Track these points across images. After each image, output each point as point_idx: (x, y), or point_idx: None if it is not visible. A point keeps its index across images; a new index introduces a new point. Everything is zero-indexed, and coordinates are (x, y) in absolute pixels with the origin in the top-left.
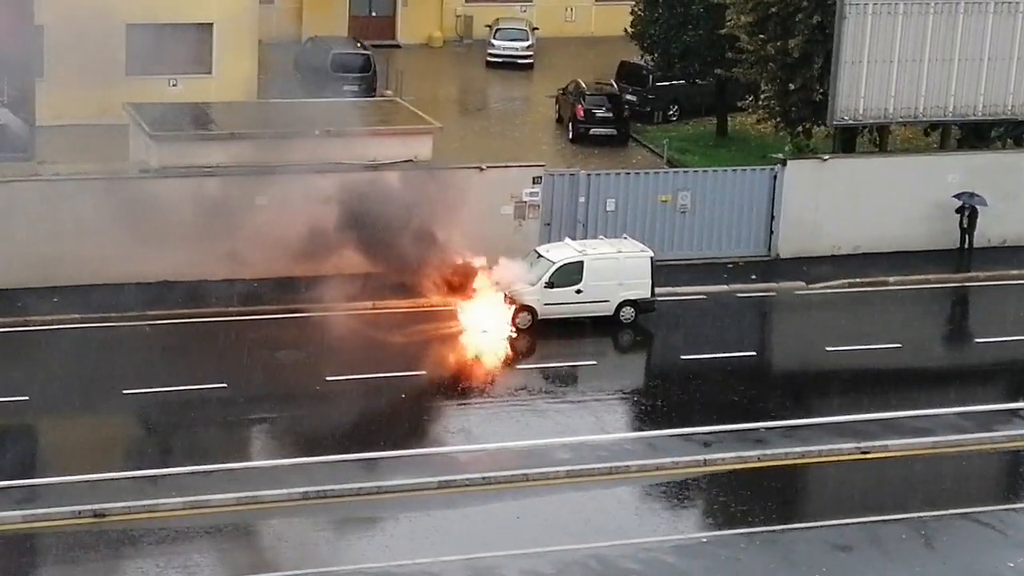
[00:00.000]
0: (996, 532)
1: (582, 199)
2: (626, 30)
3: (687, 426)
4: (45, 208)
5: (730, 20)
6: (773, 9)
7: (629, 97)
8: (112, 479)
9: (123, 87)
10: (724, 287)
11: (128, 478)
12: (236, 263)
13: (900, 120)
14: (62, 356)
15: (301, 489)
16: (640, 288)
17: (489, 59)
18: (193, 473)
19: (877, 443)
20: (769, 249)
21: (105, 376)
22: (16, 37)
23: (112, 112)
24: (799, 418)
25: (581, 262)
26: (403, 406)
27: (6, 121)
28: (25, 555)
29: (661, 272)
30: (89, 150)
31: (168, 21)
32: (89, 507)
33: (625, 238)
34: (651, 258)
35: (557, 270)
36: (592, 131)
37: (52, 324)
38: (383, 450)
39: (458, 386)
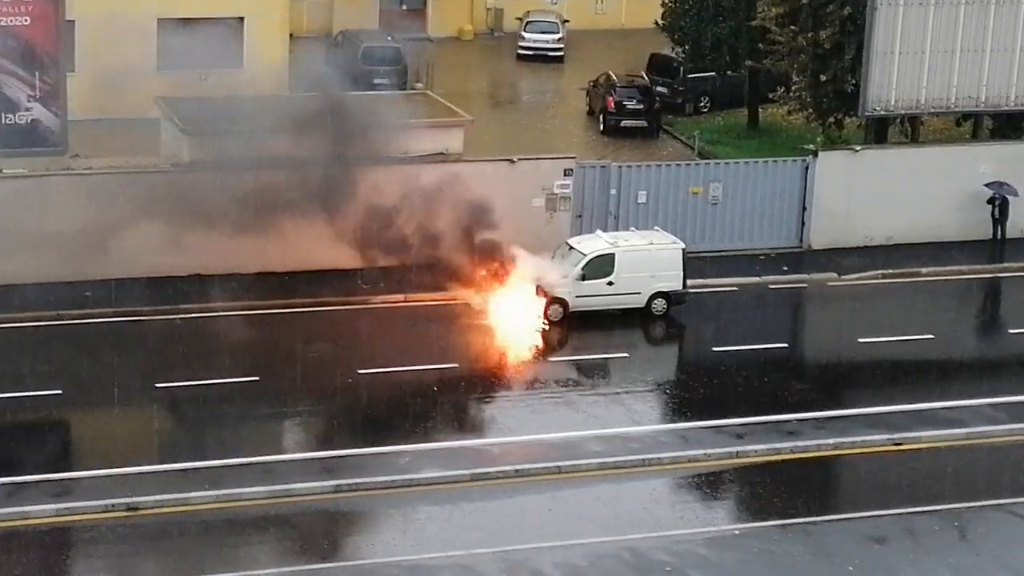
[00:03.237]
0: None
1: (613, 191)
2: (657, 22)
3: (719, 418)
4: (77, 202)
5: (761, 12)
6: (804, 0)
7: (660, 89)
8: (145, 472)
9: (154, 81)
10: (756, 279)
11: (161, 471)
12: (269, 256)
13: (932, 111)
14: (94, 350)
15: (333, 482)
16: (672, 280)
17: (520, 52)
18: (225, 466)
19: (910, 434)
20: (801, 240)
21: (137, 369)
22: (48, 32)
23: (144, 106)
24: (832, 410)
25: (613, 254)
26: (435, 399)
27: (38, 115)
28: (58, 548)
29: (693, 264)
30: (121, 144)
31: (199, 15)
32: (122, 500)
33: (656, 230)
34: (683, 250)
35: (589, 262)
36: (623, 123)
37: (84, 318)
38: (415, 443)
39: (490, 379)
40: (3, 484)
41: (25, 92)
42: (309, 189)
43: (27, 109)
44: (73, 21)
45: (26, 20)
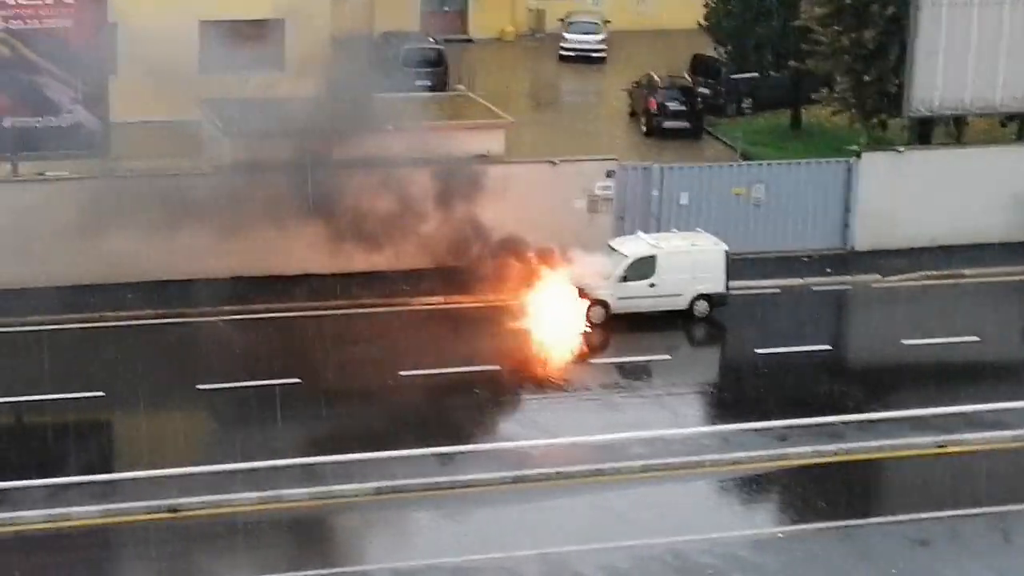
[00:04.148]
0: None
1: (655, 192)
2: (699, 23)
3: (762, 420)
4: (118, 204)
5: (804, 12)
6: (848, 1)
7: (702, 90)
8: (187, 474)
9: (197, 84)
10: (799, 280)
11: (203, 473)
12: (322, 255)
13: (976, 111)
14: (136, 352)
15: (375, 484)
16: (714, 282)
17: (562, 53)
18: (267, 468)
19: (955, 437)
20: (844, 242)
21: (179, 372)
22: (90, 34)
23: (186, 109)
24: (876, 412)
25: (654, 256)
26: (477, 401)
27: (81, 118)
28: (101, 549)
29: (735, 265)
30: (163, 147)
31: (241, 17)
32: (164, 502)
33: (699, 231)
34: (725, 251)
35: (631, 264)
36: (665, 124)
37: (126, 320)
38: (457, 445)
39: (532, 380)
40: (47, 485)
41: (67, 94)
42: (343, 191)
43: (69, 111)
44: (115, 23)
45: (69, 23)
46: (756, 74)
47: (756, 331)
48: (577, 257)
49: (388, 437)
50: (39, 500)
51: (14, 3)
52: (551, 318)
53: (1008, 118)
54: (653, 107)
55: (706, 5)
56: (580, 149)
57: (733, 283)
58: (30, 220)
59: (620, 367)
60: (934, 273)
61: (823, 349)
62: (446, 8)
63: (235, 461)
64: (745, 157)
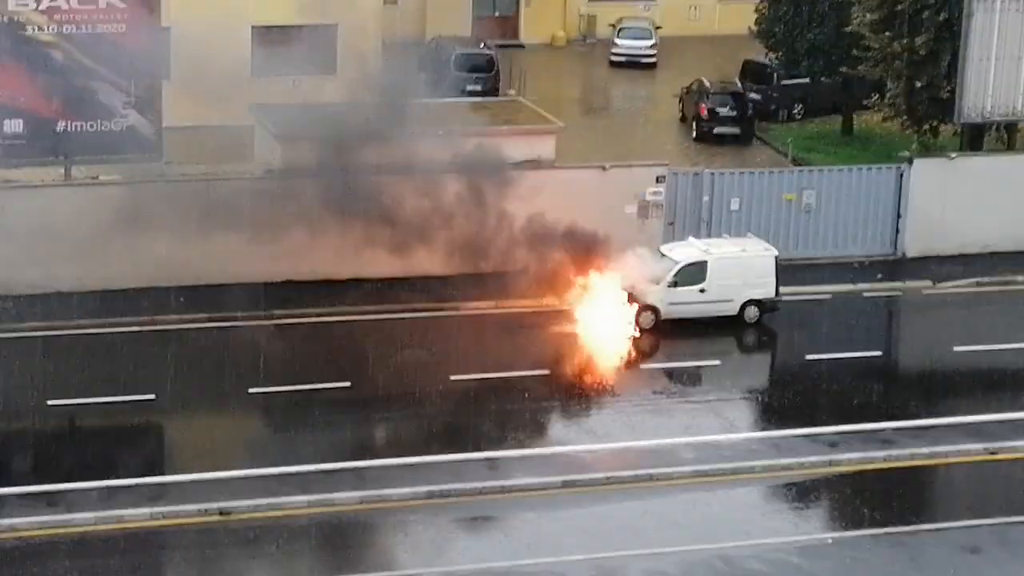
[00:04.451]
0: None
1: (706, 198)
2: (750, 28)
3: (813, 426)
4: (169, 208)
5: (856, 17)
6: (899, 6)
7: (753, 96)
8: (238, 477)
9: (248, 88)
10: (850, 286)
11: (253, 476)
12: (363, 261)
13: None
14: (188, 356)
15: (425, 488)
16: (764, 287)
17: (612, 58)
18: (318, 472)
19: (1006, 444)
20: (895, 248)
21: (231, 375)
22: (143, 39)
23: (238, 113)
24: (926, 418)
25: (705, 261)
26: (527, 405)
27: (134, 122)
28: (152, 552)
29: (786, 271)
30: (215, 151)
31: (293, 22)
32: (215, 505)
33: (749, 237)
34: (775, 257)
35: (681, 269)
36: (716, 130)
37: (177, 323)
38: (507, 449)
39: (582, 385)
40: (100, 488)
41: (121, 99)
42: (391, 195)
43: (123, 116)
44: (168, 28)
45: (122, 27)
46: (807, 80)
47: (806, 337)
48: (627, 261)
49: (438, 441)
50: (92, 502)
51: (68, 8)
52: (601, 323)
53: None
54: (704, 113)
55: (757, 10)
56: (630, 154)
57: (783, 289)
58: (82, 223)
59: (670, 372)
60: (985, 280)
61: (874, 355)
62: (497, 13)
63: (285, 464)
64: (796, 163)
